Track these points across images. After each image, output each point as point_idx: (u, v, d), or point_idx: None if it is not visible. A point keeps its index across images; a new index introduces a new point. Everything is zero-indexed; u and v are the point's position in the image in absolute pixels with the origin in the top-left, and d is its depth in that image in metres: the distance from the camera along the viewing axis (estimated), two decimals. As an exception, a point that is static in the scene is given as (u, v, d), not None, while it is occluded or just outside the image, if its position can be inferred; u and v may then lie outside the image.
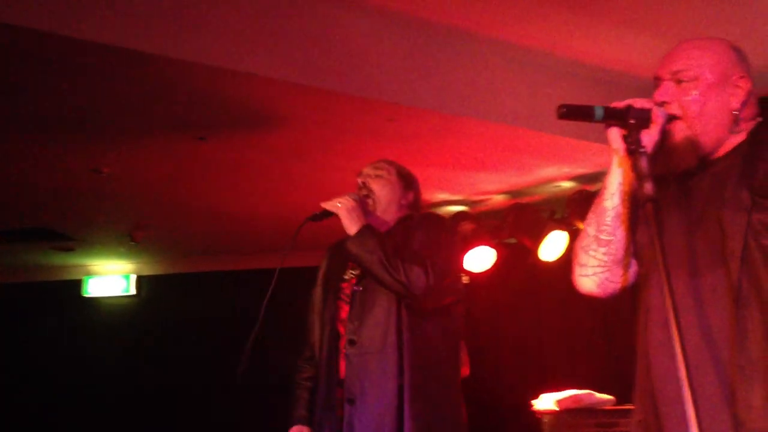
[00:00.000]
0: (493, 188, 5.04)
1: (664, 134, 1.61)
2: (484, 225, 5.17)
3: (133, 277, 7.36)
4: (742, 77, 1.66)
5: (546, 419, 4.29)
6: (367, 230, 2.51)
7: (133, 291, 7.34)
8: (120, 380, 6.89)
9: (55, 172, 4.56)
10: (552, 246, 5.00)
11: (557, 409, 4.21)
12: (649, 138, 1.58)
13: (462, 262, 2.65)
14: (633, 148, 1.55)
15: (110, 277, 7.37)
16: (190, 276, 7.12)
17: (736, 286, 1.52)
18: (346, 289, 2.63)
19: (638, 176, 1.52)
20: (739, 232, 1.53)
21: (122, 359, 6.93)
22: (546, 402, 4.30)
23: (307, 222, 2.56)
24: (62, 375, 6.96)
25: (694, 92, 1.64)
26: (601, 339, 5.21)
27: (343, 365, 2.55)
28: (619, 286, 1.73)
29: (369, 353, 2.48)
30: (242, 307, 6.88)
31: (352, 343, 2.50)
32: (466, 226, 5.07)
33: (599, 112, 1.59)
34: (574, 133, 3.89)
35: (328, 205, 2.58)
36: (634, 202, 1.65)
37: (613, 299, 1.77)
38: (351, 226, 2.52)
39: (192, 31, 2.98)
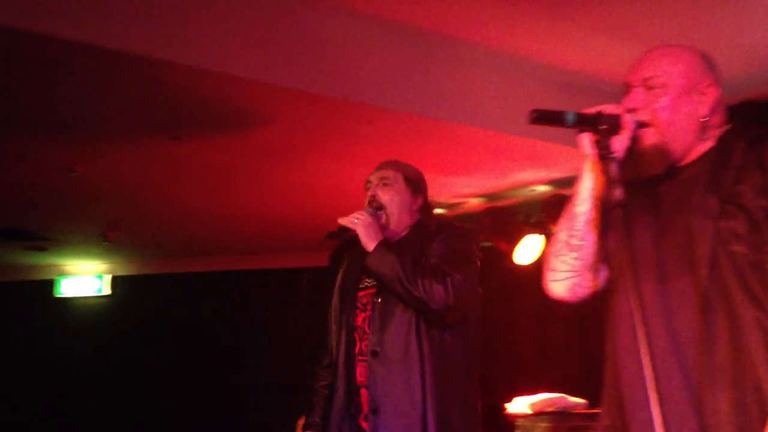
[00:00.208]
0: (469, 191, 5.06)
1: (634, 140, 1.62)
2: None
3: (107, 278, 7.30)
4: (710, 85, 1.68)
5: (519, 422, 4.31)
6: (384, 247, 2.53)
7: (107, 291, 7.28)
8: (93, 382, 6.82)
9: (27, 171, 4.51)
10: (527, 249, 5.03)
11: (530, 412, 4.23)
12: (619, 144, 1.59)
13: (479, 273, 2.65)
14: (604, 154, 1.57)
15: (83, 278, 7.30)
16: (166, 277, 7.08)
17: (703, 292, 1.53)
18: (363, 298, 2.65)
19: (608, 182, 1.53)
20: (707, 239, 1.54)
21: (95, 361, 6.87)
22: (519, 405, 4.31)
23: (326, 240, 2.60)
24: (34, 377, 6.89)
25: (664, 99, 1.65)
26: (575, 342, 5.24)
27: (359, 373, 2.58)
28: (589, 291, 1.73)
29: (392, 363, 2.49)
30: (215, 307, 6.89)
31: (374, 354, 2.52)
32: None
33: (570, 118, 1.59)
34: (550, 137, 3.90)
35: (345, 222, 2.59)
36: (605, 208, 1.66)
37: (586, 303, 1.78)
38: (369, 243, 2.54)
39: (169, 31, 2.97)
